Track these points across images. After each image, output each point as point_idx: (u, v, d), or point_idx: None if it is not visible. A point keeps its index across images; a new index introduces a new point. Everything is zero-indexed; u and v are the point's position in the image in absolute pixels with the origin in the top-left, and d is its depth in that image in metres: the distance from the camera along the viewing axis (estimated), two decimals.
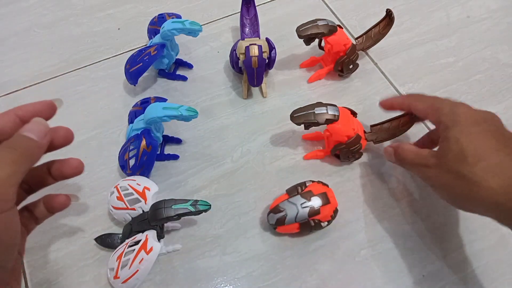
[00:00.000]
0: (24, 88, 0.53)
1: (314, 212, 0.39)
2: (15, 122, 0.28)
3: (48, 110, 0.30)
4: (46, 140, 0.28)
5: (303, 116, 0.41)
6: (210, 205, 0.38)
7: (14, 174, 0.25)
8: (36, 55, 0.56)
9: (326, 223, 0.40)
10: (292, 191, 0.41)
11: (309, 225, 0.39)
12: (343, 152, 0.44)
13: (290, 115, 0.42)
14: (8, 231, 0.25)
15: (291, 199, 0.40)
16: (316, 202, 0.39)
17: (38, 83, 0.54)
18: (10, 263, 0.27)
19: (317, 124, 0.41)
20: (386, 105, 0.42)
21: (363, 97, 0.51)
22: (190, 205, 0.37)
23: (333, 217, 0.40)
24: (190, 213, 0.37)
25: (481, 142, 0.32)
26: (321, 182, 0.41)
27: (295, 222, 0.39)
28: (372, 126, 0.46)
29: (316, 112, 0.41)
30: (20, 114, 0.29)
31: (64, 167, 0.31)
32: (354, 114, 0.45)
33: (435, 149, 0.35)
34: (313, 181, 0.41)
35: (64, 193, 0.33)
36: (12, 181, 0.25)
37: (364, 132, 0.45)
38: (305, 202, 0.39)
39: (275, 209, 0.40)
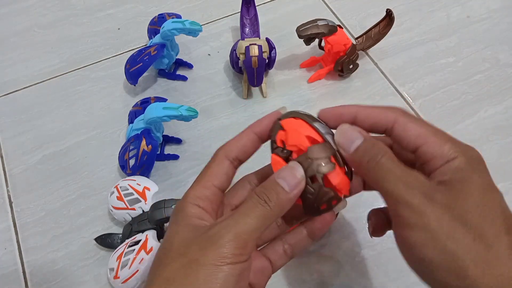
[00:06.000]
0: (24, 88, 0.53)
1: None
2: (254, 140, 0.29)
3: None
4: (296, 191, 0.25)
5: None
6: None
7: (258, 229, 0.24)
8: (36, 55, 0.56)
9: None
10: None
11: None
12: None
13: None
14: (235, 285, 0.23)
15: None
16: None
17: (38, 83, 0.54)
18: None
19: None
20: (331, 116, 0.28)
21: (363, 97, 0.51)
22: None
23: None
24: None
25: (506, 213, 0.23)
26: None
27: None
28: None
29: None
30: (257, 131, 0.29)
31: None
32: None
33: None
34: None
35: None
36: (254, 235, 0.23)
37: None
38: None
39: None
